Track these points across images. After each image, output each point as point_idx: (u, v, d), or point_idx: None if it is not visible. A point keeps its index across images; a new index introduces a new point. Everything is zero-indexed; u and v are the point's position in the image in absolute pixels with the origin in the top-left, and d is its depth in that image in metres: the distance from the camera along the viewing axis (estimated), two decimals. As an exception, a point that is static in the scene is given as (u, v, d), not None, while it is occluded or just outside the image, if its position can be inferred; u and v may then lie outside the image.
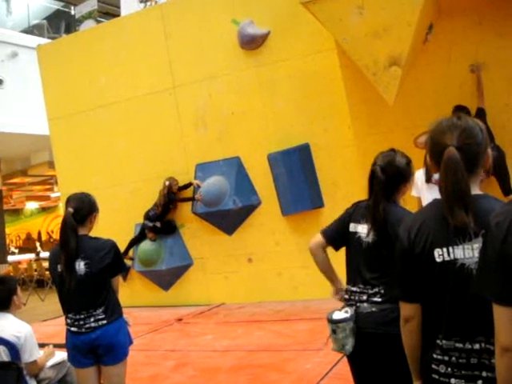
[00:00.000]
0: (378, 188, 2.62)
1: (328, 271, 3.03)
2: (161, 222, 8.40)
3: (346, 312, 2.66)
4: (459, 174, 1.80)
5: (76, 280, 3.41)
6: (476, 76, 6.08)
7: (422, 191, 5.10)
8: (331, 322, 2.65)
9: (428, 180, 5.02)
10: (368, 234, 2.66)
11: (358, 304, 2.67)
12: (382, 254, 2.54)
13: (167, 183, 8.23)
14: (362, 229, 2.72)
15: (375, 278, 2.62)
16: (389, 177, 2.63)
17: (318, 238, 2.92)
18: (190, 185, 8.29)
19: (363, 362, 2.67)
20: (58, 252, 3.56)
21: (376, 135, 6.51)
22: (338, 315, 2.65)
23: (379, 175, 2.62)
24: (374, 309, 2.61)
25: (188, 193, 8.39)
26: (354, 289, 2.71)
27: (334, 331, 2.63)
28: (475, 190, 1.87)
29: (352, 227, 2.79)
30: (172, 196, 8.24)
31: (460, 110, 5.91)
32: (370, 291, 2.64)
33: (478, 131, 1.89)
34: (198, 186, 8.17)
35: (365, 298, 2.66)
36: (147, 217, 8.44)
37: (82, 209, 3.53)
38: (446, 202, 1.83)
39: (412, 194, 5.16)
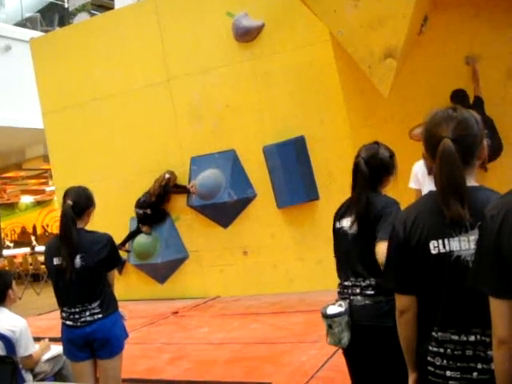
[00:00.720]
0: (361, 180, 2.66)
1: None
2: (151, 209, 8.39)
3: (340, 306, 2.66)
4: (454, 166, 1.80)
5: (74, 273, 3.41)
6: (471, 67, 6.08)
7: (424, 184, 5.06)
8: (326, 316, 2.66)
9: (430, 172, 5.01)
10: (351, 226, 2.69)
11: (352, 297, 2.67)
12: (368, 243, 2.55)
13: (167, 176, 8.21)
14: (345, 222, 2.76)
15: (365, 268, 2.63)
16: (372, 169, 2.67)
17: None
18: (184, 188, 8.27)
19: (359, 355, 2.68)
20: (54, 245, 3.55)
21: (371, 127, 6.50)
22: (333, 310, 2.66)
23: (363, 168, 2.65)
24: (367, 301, 2.62)
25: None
26: (347, 283, 2.71)
27: (329, 326, 2.64)
28: (471, 182, 1.87)
29: (337, 224, 2.84)
30: (168, 188, 8.23)
31: (458, 93, 5.91)
32: (363, 283, 2.65)
33: (474, 123, 1.89)
34: (194, 193, 8.18)
35: (358, 291, 2.66)
36: (138, 204, 8.45)
37: (80, 202, 3.54)
38: (442, 195, 1.83)
39: (410, 186, 5.16)
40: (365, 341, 2.61)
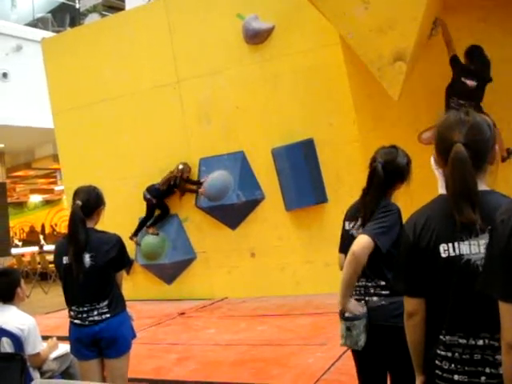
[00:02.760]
0: (377, 186, 2.65)
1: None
2: (157, 199, 8.42)
3: (361, 307, 2.66)
4: (466, 171, 1.80)
5: (81, 272, 3.43)
6: (441, 28, 6.02)
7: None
8: (346, 319, 2.65)
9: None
10: (358, 230, 2.70)
11: (367, 298, 2.68)
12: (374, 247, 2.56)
13: (181, 167, 8.24)
14: (353, 225, 2.77)
15: (373, 270, 2.64)
16: (388, 175, 2.66)
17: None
18: (198, 183, 8.29)
19: (370, 356, 2.68)
20: (63, 244, 3.57)
21: (380, 131, 6.50)
22: (353, 311, 2.65)
23: (380, 173, 2.64)
24: (383, 302, 2.63)
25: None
26: (359, 283, 2.71)
27: (348, 328, 2.63)
28: (481, 186, 1.86)
29: (346, 225, 2.86)
30: (177, 181, 8.25)
31: (475, 49, 5.83)
32: (374, 284, 2.67)
33: (486, 127, 1.88)
34: (202, 194, 8.21)
35: (372, 291, 2.68)
36: (148, 188, 8.48)
37: (90, 202, 3.55)
38: (453, 200, 1.82)
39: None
40: (379, 341, 2.61)
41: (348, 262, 2.56)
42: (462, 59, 5.94)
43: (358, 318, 2.62)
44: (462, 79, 5.73)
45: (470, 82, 5.66)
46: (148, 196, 8.45)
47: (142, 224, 8.67)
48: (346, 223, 2.85)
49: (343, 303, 2.62)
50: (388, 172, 2.65)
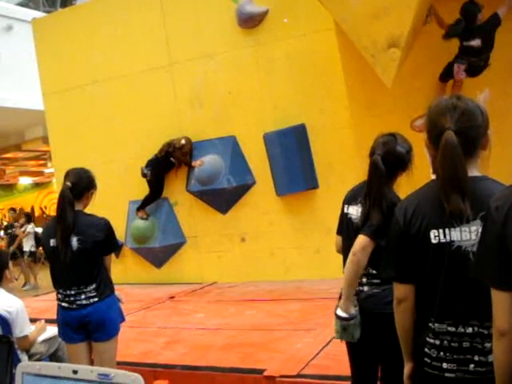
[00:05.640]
0: (378, 178, 2.59)
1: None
2: (152, 172, 8.24)
3: (354, 305, 2.67)
4: (457, 160, 1.78)
5: (69, 255, 3.41)
6: (434, 16, 5.97)
7: None
8: (342, 320, 2.65)
9: (434, 171, 4.96)
10: (358, 216, 2.69)
11: (359, 288, 2.69)
12: None
13: (183, 142, 8.09)
14: (352, 210, 2.75)
15: (368, 259, 2.62)
16: (389, 166, 2.60)
17: (336, 239, 2.94)
18: (189, 165, 8.21)
19: (363, 345, 2.68)
20: (51, 227, 3.55)
21: (373, 117, 6.48)
22: (346, 312, 2.66)
23: (380, 166, 2.58)
24: (375, 290, 2.65)
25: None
26: None
27: (344, 328, 2.64)
28: (473, 172, 1.85)
29: (345, 208, 2.84)
30: (175, 150, 8.11)
31: (471, 2, 5.70)
32: (367, 273, 2.67)
33: (479, 113, 1.86)
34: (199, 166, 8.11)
35: (364, 280, 2.68)
36: (147, 163, 8.30)
37: (80, 184, 3.53)
38: (442, 188, 1.81)
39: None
40: (371, 329, 2.62)
41: (349, 262, 2.57)
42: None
43: (354, 316, 2.63)
44: (465, 43, 5.65)
45: (475, 43, 5.59)
46: (145, 171, 8.24)
47: (148, 200, 8.49)
48: (345, 206, 2.83)
49: (347, 305, 2.63)
50: (388, 163, 2.59)
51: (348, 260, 2.58)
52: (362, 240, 2.54)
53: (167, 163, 8.26)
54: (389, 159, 2.60)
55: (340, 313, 2.66)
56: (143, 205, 8.47)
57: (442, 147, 1.81)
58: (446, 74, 6.01)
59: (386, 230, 2.46)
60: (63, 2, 16.20)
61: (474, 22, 5.61)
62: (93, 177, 3.65)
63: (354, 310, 2.64)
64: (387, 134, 2.71)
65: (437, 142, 1.83)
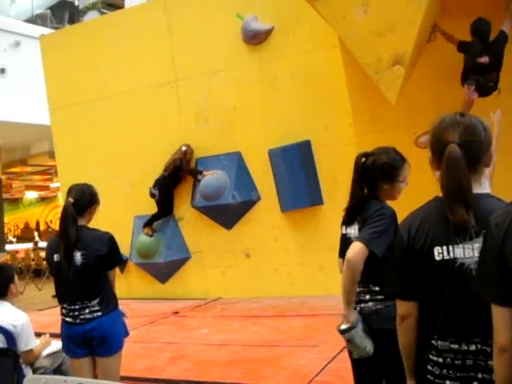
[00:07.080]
0: (355, 178, 2.80)
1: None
2: (160, 191, 8.26)
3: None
4: (460, 171, 1.79)
5: (72, 270, 3.42)
6: (439, 32, 6.00)
7: None
8: (342, 332, 2.63)
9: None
10: (351, 229, 2.74)
11: (363, 304, 2.68)
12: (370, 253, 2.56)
13: (183, 148, 8.14)
14: (350, 230, 2.77)
15: (367, 276, 2.63)
16: (367, 169, 2.75)
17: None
18: (199, 172, 8.22)
19: (368, 361, 2.65)
20: (55, 242, 3.56)
21: (377, 134, 6.49)
22: (345, 324, 2.64)
23: (358, 165, 2.78)
24: (378, 306, 2.64)
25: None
26: None
27: (348, 341, 2.62)
28: (477, 189, 1.85)
29: (343, 229, 2.86)
30: (182, 163, 8.13)
31: (480, 21, 5.64)
32: (368, 289, 2.67)
33: (481, 129, 1.87)
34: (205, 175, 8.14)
35: (368, 297, 2.67)
36: (154, 183, 8.30)
37: (83, 200, 3.54)
38: (447, 200, 1.81)
39: None
40: (375, 344, 2.60)
41: (345, 269, 2.56)
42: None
43: (353, 326, 2.60)
44: (477, 60, 5.65)
45: (483, 59, 5.58)
46: (153, 191, 8.26)
47: (156, 217, 8.51)
48: (343, 227, 2.85)
49: (347, 312, 2.62)
50: (367, 167, 2.72)
51: (344, 267, 2.58)
52: (355, 246, 2.55)
53: (175, 179, 8.28)
54: (368, 163, 2.76)
55: (341, 327, 2.65)
56: (150, 221, 8.50)
57: (445, 159, 1.81)
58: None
59: (381, 237, 2.52)
60: (71, 18, 16.38)
61: (488, 39, 5.64)
62: (95, 192, 3.67)
63: (355, 317, 2.62)
64: (378, 147, 2.82)
65: (440, 156, 1.84)
